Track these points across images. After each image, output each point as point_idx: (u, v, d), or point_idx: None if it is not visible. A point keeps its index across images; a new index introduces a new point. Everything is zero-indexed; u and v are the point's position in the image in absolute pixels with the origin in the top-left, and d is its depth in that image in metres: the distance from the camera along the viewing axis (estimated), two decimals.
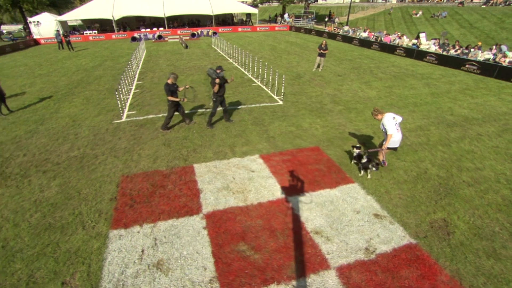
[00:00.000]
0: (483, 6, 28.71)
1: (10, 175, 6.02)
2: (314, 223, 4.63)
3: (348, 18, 32.12)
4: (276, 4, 59.42)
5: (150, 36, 25.48)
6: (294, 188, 5.50)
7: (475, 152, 6.86)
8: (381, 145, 6.02)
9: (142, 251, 4.11)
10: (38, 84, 12.66)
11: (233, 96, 10.37)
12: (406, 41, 20.06)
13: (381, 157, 6.07)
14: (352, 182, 5.68)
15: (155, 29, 27.93)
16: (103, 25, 29.71)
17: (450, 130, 7.98)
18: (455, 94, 10.99)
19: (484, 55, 15.05)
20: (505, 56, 14.48)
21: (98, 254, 4.06)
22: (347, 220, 4.71)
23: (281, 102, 9.89)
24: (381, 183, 5.63)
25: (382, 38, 21.76)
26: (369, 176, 5.80)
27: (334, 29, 28.13)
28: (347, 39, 23.66)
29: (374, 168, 5.69)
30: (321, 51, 13.71)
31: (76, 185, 5.57)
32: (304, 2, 42.10)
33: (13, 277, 3.74)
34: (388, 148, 5.80)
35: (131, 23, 29.92)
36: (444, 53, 16.18)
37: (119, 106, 8.98)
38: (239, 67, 14.98)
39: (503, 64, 13.69)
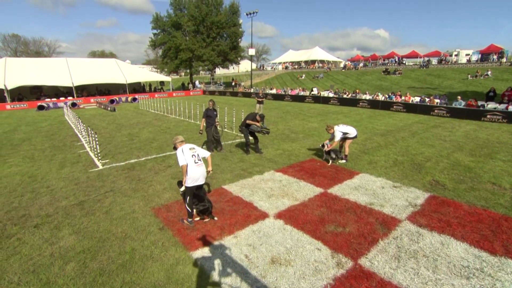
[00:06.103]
0: (343, 70, 39.90)
1: None
2: (363, 200, 5.39)
3: (251, 82, 37.93)
4: (176, 77, 63.59)
5: (60, 104, 22.57)
6: (324, 183, 6.19)
7: (410, 145, 9.41)
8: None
9: (246, 256, 3.79)
10: None
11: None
12: (307, 93, 25.32)
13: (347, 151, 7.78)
14: (359, 173, 6.85)
15: (62, 98, 24.90)
16: None
17: (385, 137, 10.64)
18: (367, 120, 14.64)
19: (366, 96, 20.80)
20: (377, 95, 20.50)
21: (199, 276, 3.48)
22: (381, 193, 5.69)
23: None
24: (377, 170, 7.03)
25: (289, 92, 26.67)
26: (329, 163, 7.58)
27: (245, 90, 32.44)
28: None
29: (334, 156, 7.54)
30: (259, 99, 15.86)
31: (98, 229, 4.52)
32: (209, 73, 47.30)
33: None
34: (351, 138, 7.67)
35: (24, 92, 25.66)
36: (340, 97, 21.39)
37: (92, 155, 7.76)
38: (187, 119, 15.27)
39: (379, 99, 19.31)
